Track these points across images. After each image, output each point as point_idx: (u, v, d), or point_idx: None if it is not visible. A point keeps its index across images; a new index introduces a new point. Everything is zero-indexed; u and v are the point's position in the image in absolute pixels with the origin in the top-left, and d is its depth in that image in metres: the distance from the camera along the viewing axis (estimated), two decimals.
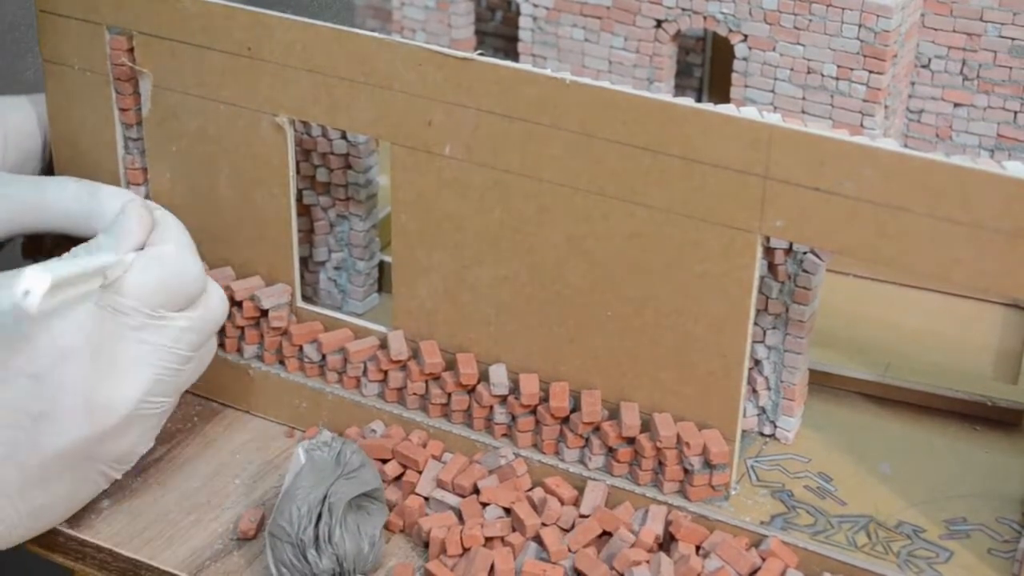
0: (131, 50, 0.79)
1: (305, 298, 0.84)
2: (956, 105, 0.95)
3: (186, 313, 0.71)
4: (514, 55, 1.05)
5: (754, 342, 0.73)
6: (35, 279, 0.63)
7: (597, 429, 0.73)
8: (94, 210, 0.76)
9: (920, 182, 0.61)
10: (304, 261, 0.85)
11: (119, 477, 0.72)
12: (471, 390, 0.76)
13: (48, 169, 0.86)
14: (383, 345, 0.78)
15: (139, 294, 0.69)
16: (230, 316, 0.80)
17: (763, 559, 0.68)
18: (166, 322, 0.70)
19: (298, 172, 0.81)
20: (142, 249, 0.71)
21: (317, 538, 0.67)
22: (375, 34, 0.72)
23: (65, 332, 0.66)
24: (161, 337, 0.70)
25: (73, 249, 0.71)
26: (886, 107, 0.91)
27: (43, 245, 0.85)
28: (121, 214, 0.72)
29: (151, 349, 0.70)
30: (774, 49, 0.91)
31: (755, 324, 0.70)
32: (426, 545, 0.71)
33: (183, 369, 0.72)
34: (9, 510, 0.67)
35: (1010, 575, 0.68)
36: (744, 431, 0.74)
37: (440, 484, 0.74)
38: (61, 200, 0.77)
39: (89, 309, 0.67)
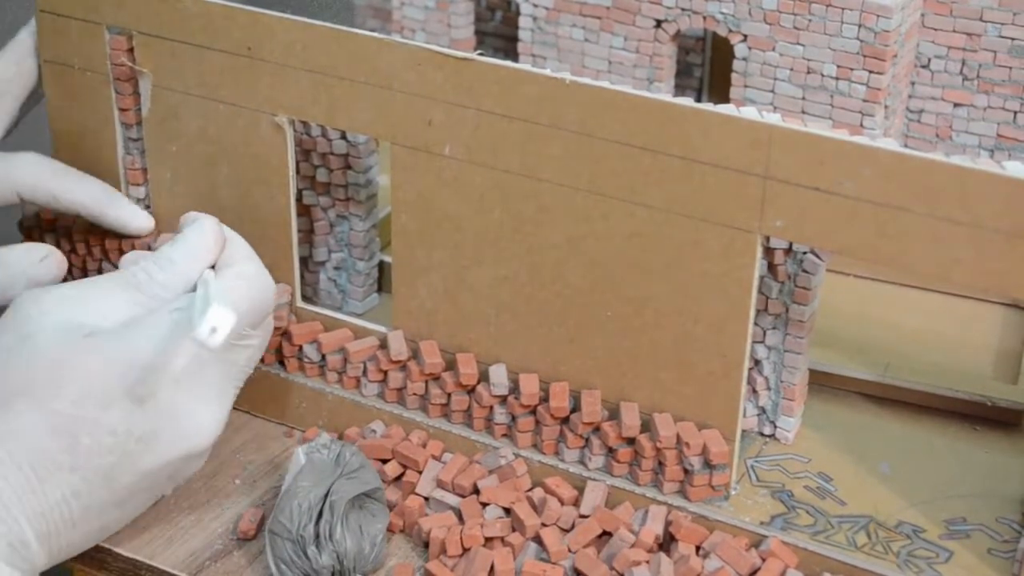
0: (131, 50, 0.79)
1: (305, 298, 0.84)
2: (956, 105, 0.95)
3: (258, 332, 0.72)
4: (514, 55, 1.05)
5: (754, 342, 0.73)
6: (222, 317, 0.62)
7: (597, 429, 0.73)
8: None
9: (920, 182, 0.61)
10: (304, 261, 0.85)
11: (169, 492, 0.72)
12: (471, 390, 0.76)
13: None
14: (383, 345, 0.78)
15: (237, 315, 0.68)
16: None
17: (763, 559, 0.68)
18: (249, 341, 0.71)
19: (298, 172, 0.81)
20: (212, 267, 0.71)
21: (318, 535, 0.67)
22: (375, 34, 0.72)
23: (180, 356, 0.66)
24: (242, 357, 0.71)
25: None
26: (886, 107, 0.91)
27: (42, 221, 0.86)
28: (194, 231, 0.71)
29: (235, 370, 0.70)
30: (774, 49, 0.91)
31: (755, 324, 0.70)
32: (426, 545, 0.71)
33: (241, 387, 0.72)
34: (80, 532, 0.66)
35: (1010, 575, 0.68)
36: (744, 431, 0.74)
37: (440, 484, 0.74)
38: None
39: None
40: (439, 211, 0.73)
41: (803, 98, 0.92)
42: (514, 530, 0.71)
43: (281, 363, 0.81)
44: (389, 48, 0.71)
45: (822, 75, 0.90)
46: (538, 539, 0.70)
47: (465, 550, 0.70)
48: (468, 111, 0.70)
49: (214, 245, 0.71)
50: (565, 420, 0.73)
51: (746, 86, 0.93)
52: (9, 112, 0.83)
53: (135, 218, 0.82)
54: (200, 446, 0.68)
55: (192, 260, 0.70)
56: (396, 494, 0.74)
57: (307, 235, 0.85)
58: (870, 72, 0.88)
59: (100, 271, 0.84)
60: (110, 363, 0.65)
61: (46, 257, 0.77)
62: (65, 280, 0.78)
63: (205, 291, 0.66)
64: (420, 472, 0.75)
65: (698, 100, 0.97)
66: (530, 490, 0.73)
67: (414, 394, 0.77)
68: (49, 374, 0.64)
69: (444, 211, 0.73)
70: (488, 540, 0.70)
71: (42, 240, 0.86)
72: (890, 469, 0.75)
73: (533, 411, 0.74)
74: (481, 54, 0.69)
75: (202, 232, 0.71)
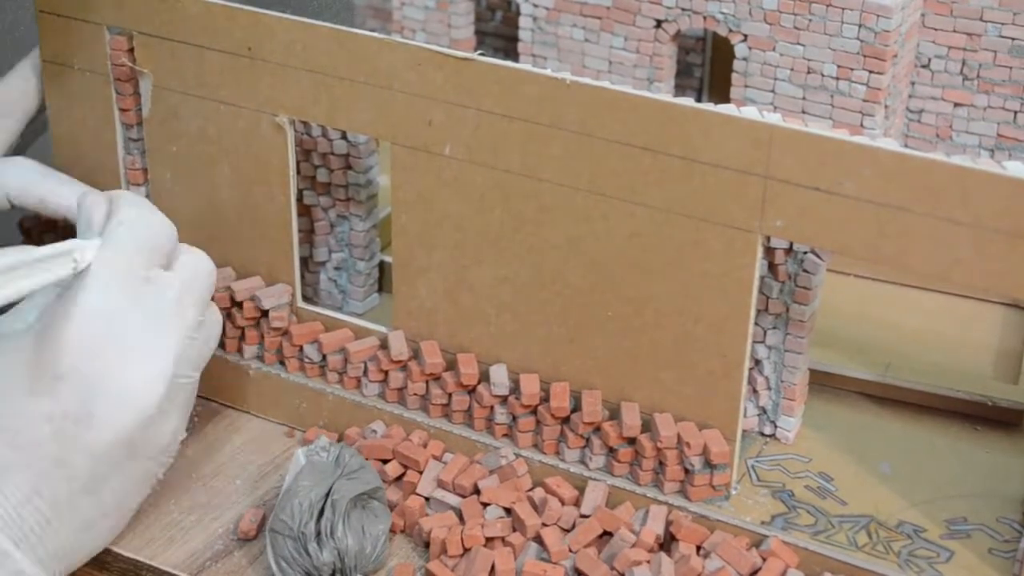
0: (131, 50, 0.79)
1: (305, 298, 0.84)
2: (956, 105, 0.95)
3: (174, 272, 0.70)
4: (514, 55, 1.05)
5: (754, 342, 0.73)
6: (81, 246, 0.64)
7: (598, 429, 0.73)
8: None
9: (920, 182, 0.61)
10: (304, 261, 0.85)
11: (162, 476, 0.70)
12: (472, 390, 0.76)
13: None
14: (383, 345, 0.78)
15: (126, 259, 0.68)
16: (230, 316, 0.80)
17: (764, 559, 0.68)
18: (162, 283, 0.69)
19: (298, 172, 0.81)
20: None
21: (319, 533, 0.67)
22: (375, 34, 0.72)
23: (81, 321, 0.65)
24: (164, 301, 0.68)
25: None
26: (886, 107, 0.91)
27: (41, 222, 0.86)
28: (79, 208, 0.71)
29: (159, 316, 0.68)
30: (774, 49, 0.91)
31: (755, 324, 0.70)
32: (427, 545, 0.71)
33: (195, 337, 0.70)
34: (61, 530, 0.65)
35: (1011, 575, 0.68)
36: (744, 431, 0.74)
37: (441, 484, 0.74)
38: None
39: (90, 296, 0.66)
40: (439, 211, 0.73)
41: (803, 98, 0.92)
42: (515, 530, 0.71)
43: (282, 363, 0.81)
44: (389, 48, 0.71)
45: (822, 75, 0.90)
46: (539, 539, 0.70)
47: (466, 550, 0.70)
48: (468, 111, 0.70)
49: (97, 213, 0.70)
50: (566, 420, 0.73)
51: (746, 86, 0.94)
52: (11, 132, 0.83)
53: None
54: (143, 409, 0.66)
55: (86, 233, 0.70)
56: (397, 494, 0.74)
57: (307, 235, 0.85)
58: (870, 72, 0.88)
59: None
60: (14, 351, 0.64)
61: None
62: None
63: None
64: (421, 472, 0.75)
65: (698, 100, 0.97)
66: (531, 490, 0.73)
67: (415, 394, 0.77)
68: None
69: (444, 211, 0.73)
70: (489, 540, 0.70)
71: (40, 241, 0.86)
72: (891, 469, 0.75)
73: (534, 411, 0.74)
74: (481, 54, 0.69)
75: (84, 207, 0.71)
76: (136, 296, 0.67)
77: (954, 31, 0.93)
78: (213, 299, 0.79)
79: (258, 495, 0.76)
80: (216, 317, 0.73)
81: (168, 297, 0.69)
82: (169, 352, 0.68)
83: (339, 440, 0.79)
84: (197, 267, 0.71)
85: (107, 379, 0.65)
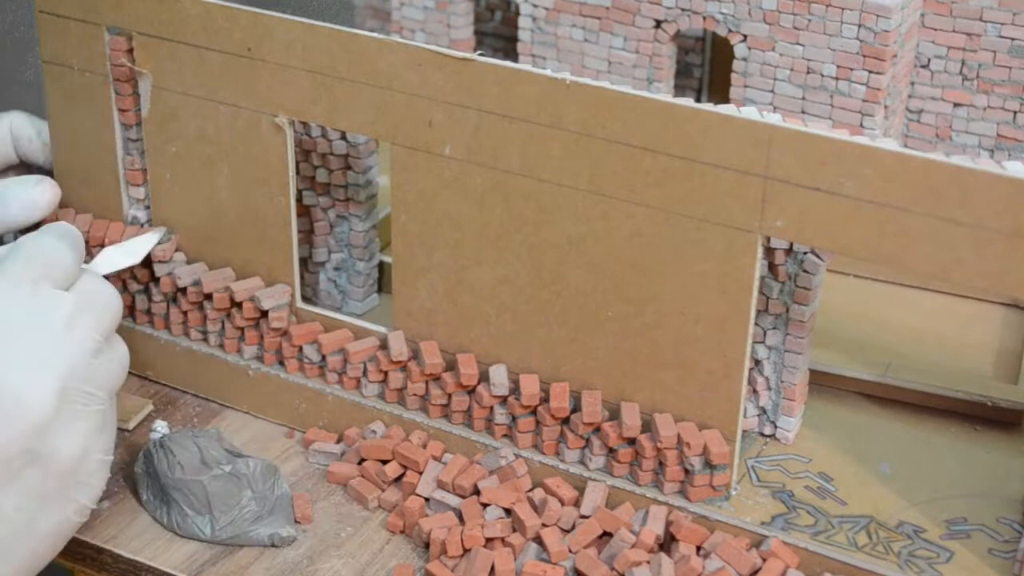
0: (130, 51, 0.79)
1: (305, 299, 0.84)
2: (956, 105, 0.95)
3: (70, 291, 0.69)
4: (514, 55, 1.05)
5: (754, 342, 0.73)
6: None
7: (597, 430, 0.72)
8: None
9: (920, 182, 0.60)
10: (304, 262, 0.85)
11: (92, 505, 0.67)
12: (471, 391, 0.76)
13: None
14: (383, 346, 0.78)
15: (13, 273, 0.67)
16: (230, 316, 0.80)
17: (764, 559, 0.68)
18: (54, 299, 0.67)
19: (298, 173, 0.81)
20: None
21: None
22: (375, 34, 0.72)
23: None
24: (56, 316, 0.66)
25: None
26: (886, 107, 0.91)
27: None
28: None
29: (49, 330, 0.66)
30: (774, 49, 0.91)
31: (755, 324, 0.70)
32: (427, 546, 0.71)
33: (98, 359, 0.68)
34: None
35: (1011, 575, 0.68)
36: (744, 431, 0.74)
37: (440, 485, 0.74)
38: None
39: None
40: (439, 211, 0.73)
41: (803, 98, 0.92)
42: (515, 531, 0.71)
43: (281, 364, 0.81)
44: (389, 48, 0.71)
45: (822, 75, 0.90)
46: (539, 540, 0.70)
47: (466, 551, 0.70)
48: (468, 111, 0.70)
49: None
50: (565, 420, 0.73)
51: (746, 86, 0.94)
52: None
53: None
54: (33, 415, 0.63)
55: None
56: (396, 495, 0.74)
57: (307, 235, 0.85)
58: (870, 72, 0.89)
59: None
60: None
61: (41, 181, 0.79)
62: None
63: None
64: (420, 473, 0.74)
65: (698, 100, 0.97)
66: (530, 491, 0.73)
67: (414, 395, 0.77)
68: None
69: (444, 211, 0.73)
70: (489, 541, 0.70)
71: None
72: (890, 469, 0.75)
73: (533, 411, 0.74)
74: (481, 54, 0.69)
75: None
76: (21, 305, 0.66)
77: (954, 31, 0.93)
78: (210, 298, 0.79)
79: None
80: (122, 349, 0.71)
81: (58, 314, 0.67)
82: (57, 365, 0.65)
83: (339, 441, 0.79)
84: (98, 293, 0.70)
85: None
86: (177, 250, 0.82)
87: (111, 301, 0.71)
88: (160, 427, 0.78)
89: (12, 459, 0.63)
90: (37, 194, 0.80)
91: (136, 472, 0.74)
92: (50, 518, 0.65)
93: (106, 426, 0.68)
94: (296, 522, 0.73)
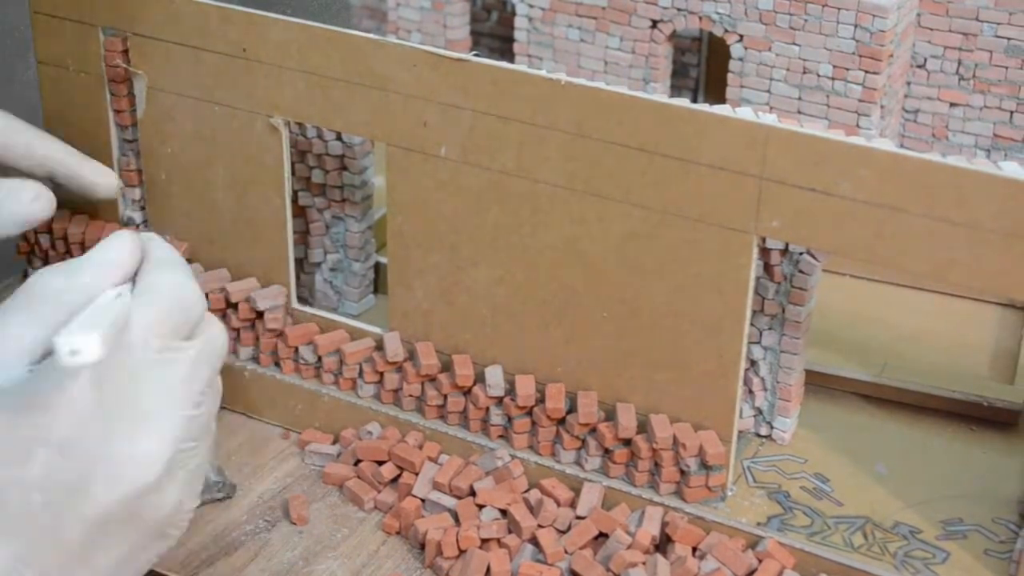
0: (126, 51, 0.79)
1: (301, 300, 0.84)
2: (952, 105, 0.95)
3: (193, 343, 0.63)
4: (510, 56, 1.05)
5: (750, 343, 0.73)
6: (83, 341, 0.55)
7: (593, 430, 0.72)
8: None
9: (916, 182, 0.60)
10: (300, 263, 0.85)
11: (174, 544, 0.64)
12: (467, 392, 0.75)
13: None
14: (379, 347, 0.78)
15: (146, 327, 0.61)
16: (225, 318, 0.80)
17: (760, 560, 0.68)
18: (178, 354, 0.62)
19: (293, 173, 0.81)
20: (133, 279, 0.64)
21: None
22: (370, 35, 0.72)
23: (77, 389, 0.58)
24: (175, 373, 0.62)
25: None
26: (882, 107, 0.91)
27: (39, 247, 0.85)
28: (105, 244, 0.64)
29: (167, 388, 0.61)
30: (770, 49, 0.91)
31: (751, 325, 0.70)
32: (422, 547, 0.71)
33: (200, 410, 0.63)
34: None
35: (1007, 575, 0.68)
36: (740, 432, 0.74)
37: (436, 486, 0.74)
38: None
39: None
40: (435, 212, 0.73)
41: (799, 98, 0.92)
42: (510, 532, 0.71)
43: (277, 365, 0.81)
44: (385, 49, 0.71)
45: (818, 75, 0.90)
46: (534, 541, 0.70)
47: (461, 552, 0.69)
48: (464, 112, 0.70)
49: (127, 257, 0.63)
50: (561, 421, 0.73)
51: (742, 86, 0.93)
52: None
53: (103, 174, 0.80)
54: (140, 484, 0.60)
55: (95, 268, 0.62)
56: (392, 496, 0.74)
57: (303, 236, 0.85)
58: (866, 72, 0.88)
59: None
60: (13, 416, 0.58)
61: (37, 197, 0.74)
62: None
63: (92, 314, 0.59)
64: (416, 474, 0.74)
65: (694, 100, 0.97)
66: (526, 491, 0.73)
67: (410, 395, 0.77)
68: None
69: (440, 212, 0.73)
70: (484, 542, 0.70)
71: (36, 243, 0.85)
72: (887, 470, 0.75)
73: (529, 412, 0.74)
74: (477, 55, 0.69)
75: (111, 242, 0.64)
76: (150, 364, 0.61)
77: (950, 31, 0.93)
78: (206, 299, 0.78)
79: (254, 496, 0.75)
80: (218, 387, 0.66)
81: (180, 371, 0.62)
82: (173, 428, 0.61)
83: (335, 442, 0.79)
84: (215, 340, 0.65)
85: (103, 451, 0.59)
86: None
87: (225, 346, 0.66)
88: None
89: (110, 520, 0.60)
90: (36, 211, 0.75)
91: None
92: (141, 564, 0.63)
93: (198, 476, 0.64)
94: (292, 523, 0.73)
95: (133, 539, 0.62)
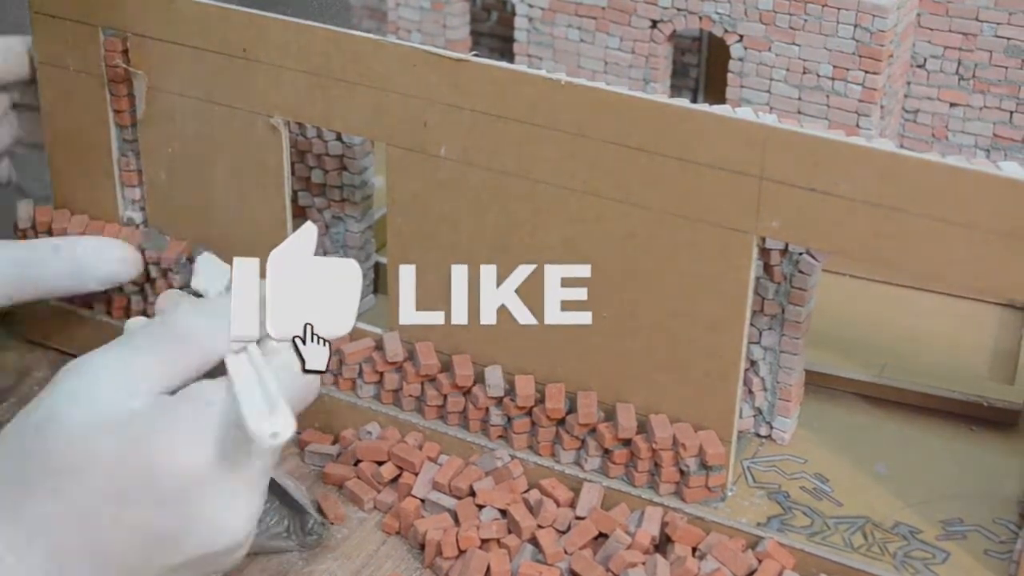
0: (126, 51, 0.79)
1: None
2: (952, 105, 0.95)
3: (286, 409, 0.62)
4: (510, 56, 1.05)
5: (750, 343, 0.73)
6: (286, 423, 0.58)
7: (593, 431, 0.72)
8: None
9: (916, 182, 0.60)
10: None
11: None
12: (467, 392, 0.75)
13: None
14: (379, 347, 0.78)
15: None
16: None
17: (759, 560, 0.68)
18: (283, 425, 0.61)
19: (293, 173, 0.81)
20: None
21: None
22: (370, 35, 0.72)
23: (192, 449, 0.59)
24: (271, 455, 0.62)
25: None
26: (882, 107, 0.91)
27: (37, 223, 0.85)
28: (239, 276, 0.65)
29: (262, 467, 0.62)
30: (770, 49, 0.91)
31: (751, 325, 0.70)
32: (422, 547, 0.71)
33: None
34: None
35: None
36: (740, 432, 0.74)
37: (436, 486, 0.74)
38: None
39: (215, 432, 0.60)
40: (435, 212, 0.73)
41: (799, 98, 0.92)
42: (510, 532, 0.71)
43: None
44: (384, 49, 0.71)
45: (818, 75, 0.90)
46: (534, 541, 0.70)
47: (461, 552, 0.69)
48: (464, 112, 0.70)
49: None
50: (561, 422, 0.73)
51: (742, 86, 0.93)
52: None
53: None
54: (233, 542, 0.61)
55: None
56: (392, 496, 0.74)
57: None
58: (866, 72, 0.88)
59: None
60: (127, 456, 0.59)
61: (124, 259, 0.77)
62: None
63: (263, 388, 0.60)
64: (416, 474, 0.74)
65: (694, 101, 0.97)
66: (526, 492, 0.73)
67: (410, 396, 0.77)
68: (68, 461, 0.59)
69: (440, 212, 0.73)
70: (484, 542, 0.70)
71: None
72: (886, 470, 0.75)
73: (529, 413, 0.74)
74: (477, 55, 0.69)
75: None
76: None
77: (950, 31, 0.93)
78: None
79: None
80: None
81: (274, 452, 0.63)
82: (258, 503, 0.62)
83: (334, 442, 0.79)
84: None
85: (212, 509, 0.60)
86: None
87: (309, 387, 0.65)
88: None
89: (186, 566, 0.61)
90: (120, 272, 0.78)
91: None
92: None
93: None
94: (331, 523, 0.73)
95: (202, 572, 0.63)
